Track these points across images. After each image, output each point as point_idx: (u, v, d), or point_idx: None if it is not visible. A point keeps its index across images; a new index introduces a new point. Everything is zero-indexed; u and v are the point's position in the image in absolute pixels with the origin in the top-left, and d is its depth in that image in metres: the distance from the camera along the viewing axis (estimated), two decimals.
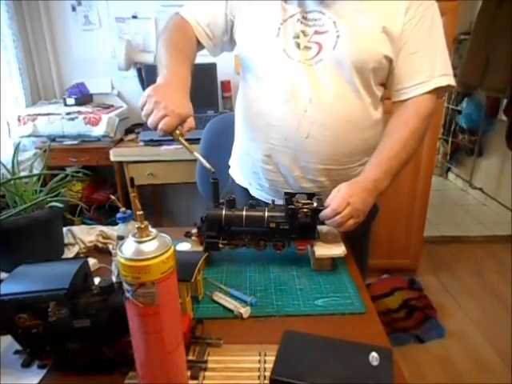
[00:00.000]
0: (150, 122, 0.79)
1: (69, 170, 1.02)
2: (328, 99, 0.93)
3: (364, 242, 1.15)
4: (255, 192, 1.12)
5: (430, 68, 0.93)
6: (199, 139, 1.60)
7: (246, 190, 1.14)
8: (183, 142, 0.81)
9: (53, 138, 2.12)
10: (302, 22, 0.93)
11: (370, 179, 0.89)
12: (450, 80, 0.95)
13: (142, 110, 0.81)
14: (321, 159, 0.97)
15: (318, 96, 0.93)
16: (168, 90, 0.81)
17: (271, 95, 0.96)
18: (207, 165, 0.82)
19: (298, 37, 0.93)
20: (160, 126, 0.78)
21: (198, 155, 0.83)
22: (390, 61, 0.93)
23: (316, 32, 0.92)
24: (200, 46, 1.02)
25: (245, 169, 1.12)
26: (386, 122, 1.01)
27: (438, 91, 0.95)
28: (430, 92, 0.94)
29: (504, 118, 3.01)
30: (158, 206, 2.72)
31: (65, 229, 1.02)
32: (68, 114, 2.10)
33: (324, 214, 0.84)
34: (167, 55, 0.90)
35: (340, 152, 0.97)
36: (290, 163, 0.99)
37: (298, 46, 0.93)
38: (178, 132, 0.80)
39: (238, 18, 0.99)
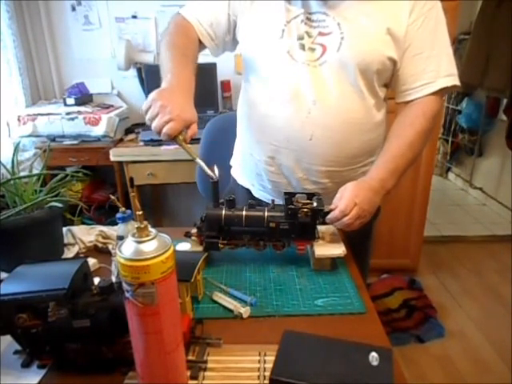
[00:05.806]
0: (155, 125, 0.79)
1: (69, 170, 1.02)
2: (332, 101, 0.92)
3: (366, 242, 1.15)
4: (258, 193, 1.11)
5: (435, 69, 0.92)
6: (199, 139, 1.60)
7: (248, 190, 1.14)
8: (186, 147, 0.81)
9: (53, 138, 2.12)
10: (306, 23, 0.92)
11: (376, 179, 0.89)
12: (455, 80, 0.94)
13: (145, 113, 0.80)
14: (324, 161, 0.97)
15: (321, 98, 0.92)
16: (173, 95, 0.81)
17: (275, 97, 0.96)
18: (210, 172, 0.82)
19: (302, 38, 0.92)
20: (164, 131, 0.78)
21: (200, 162, 0.83)
22: (394, 62, 0.93)
23: (320, 33, 0.91)
24: (202, 46, 1.01)
25: (247, 170, 1.12)
26: (389, 122, 1.00)
27: (442, 91, 0.94)
28: (435, 93, 0.93)
29: (504, 117, 3.01)
30: (158, 206, 2.72)
31: (65, 229, 1.02)
32: (68, 113, 2.10)
33: (333, 216, 0.83)
34: (171, 59, 0.90)
35: (343, 154, 0.97)
36: (293, 165, 0.99)
37: (303, 47, 0.92)
38: (181, 137, 0.80)
39: (241, 18, 0.98)
